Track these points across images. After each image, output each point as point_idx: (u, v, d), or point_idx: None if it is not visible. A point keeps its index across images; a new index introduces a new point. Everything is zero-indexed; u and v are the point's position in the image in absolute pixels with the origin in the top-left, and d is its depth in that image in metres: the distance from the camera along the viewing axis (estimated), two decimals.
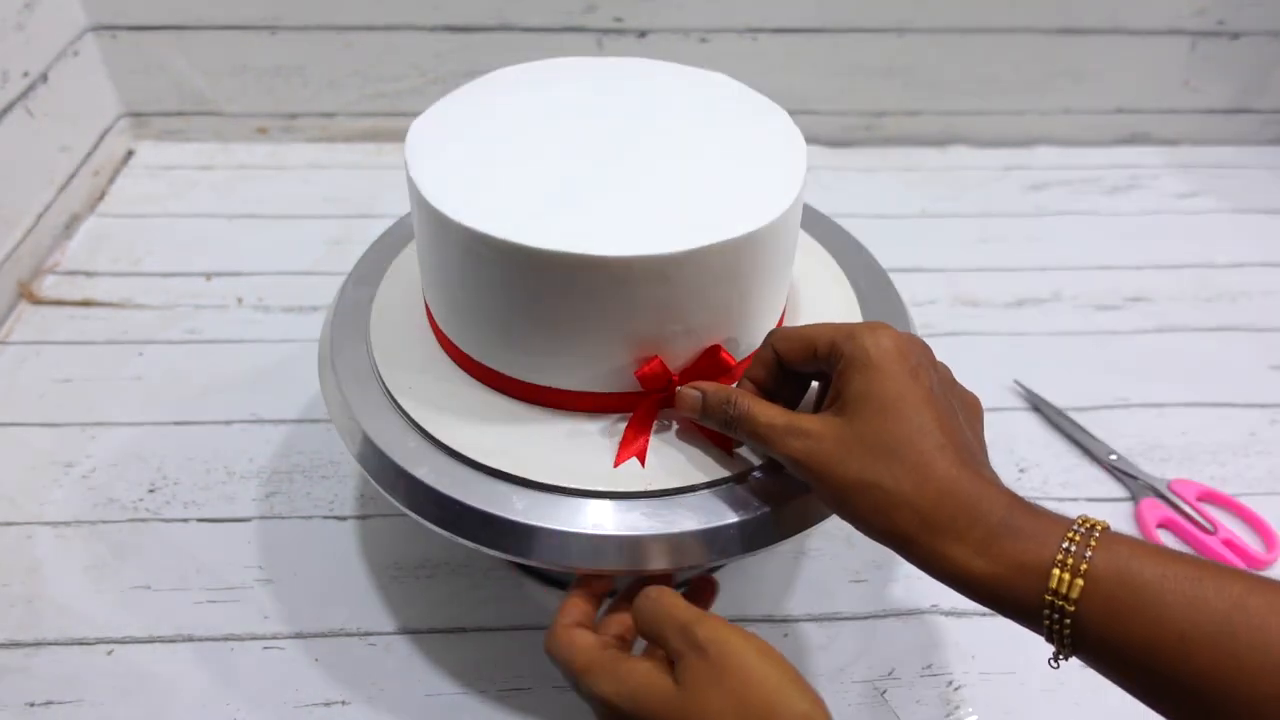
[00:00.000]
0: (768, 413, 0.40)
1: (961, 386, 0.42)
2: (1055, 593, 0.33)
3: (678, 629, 0.37)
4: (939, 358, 0.42)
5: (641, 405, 0.45)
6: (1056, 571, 0.33)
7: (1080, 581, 0.32)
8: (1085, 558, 0.33)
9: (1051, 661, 0.35)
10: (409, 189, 0.45)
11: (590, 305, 0.42)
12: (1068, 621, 0.33)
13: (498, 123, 0.48)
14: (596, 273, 0.40)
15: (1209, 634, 0.31)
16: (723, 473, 0.44)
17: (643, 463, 0.44)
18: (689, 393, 0.43)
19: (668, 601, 0.38)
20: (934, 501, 0.35)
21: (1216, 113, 1.01)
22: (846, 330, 0.40)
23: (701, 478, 0.44)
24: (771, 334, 0.43)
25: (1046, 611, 0.33)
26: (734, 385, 0.44)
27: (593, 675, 0.37)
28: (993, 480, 0.37)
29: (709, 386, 0.43)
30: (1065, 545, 0.33)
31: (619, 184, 0.44)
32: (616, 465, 0.44)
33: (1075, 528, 0.34)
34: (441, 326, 0.49)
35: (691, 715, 0.34)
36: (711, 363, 0.45)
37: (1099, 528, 0.34)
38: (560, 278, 0.41)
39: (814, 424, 0.39)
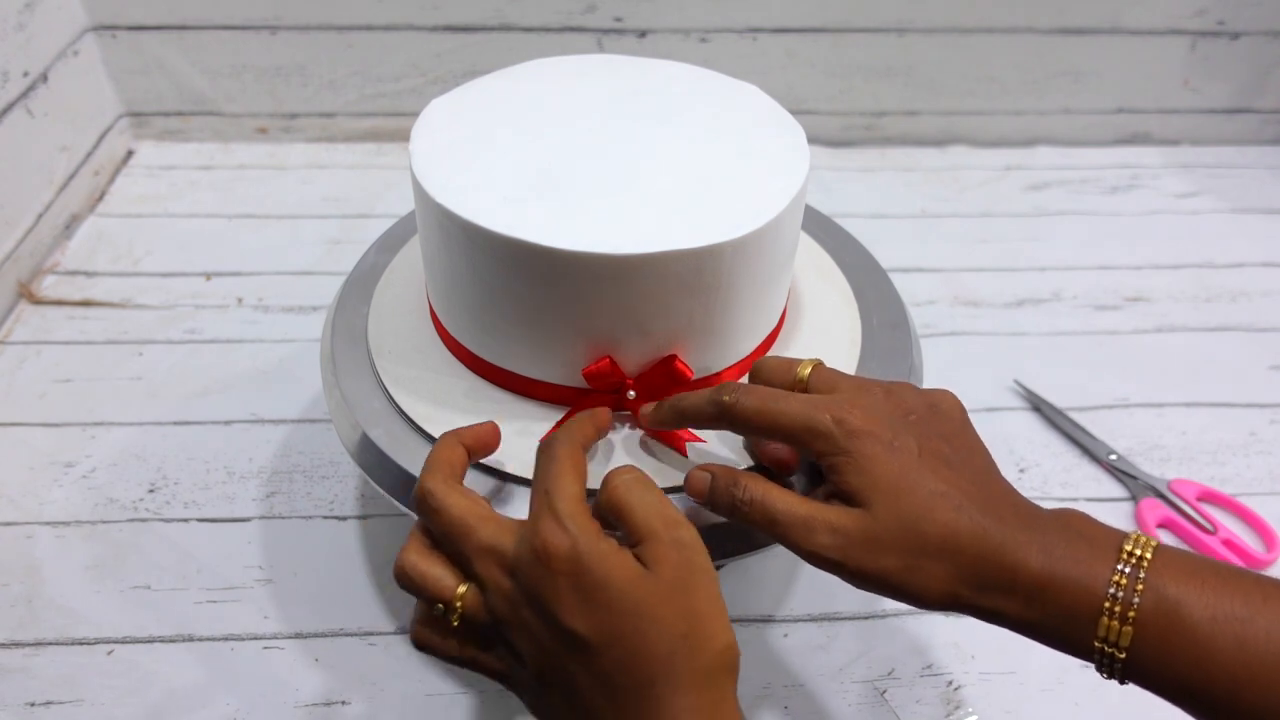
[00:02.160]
0: (786, 501, 0.38)
1: (926, 394, 0.40)
2: (1105, 640, 0.33)
3: (662, 517, 0.36)
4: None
5: (591, 403, 0.45)
6: (1105, 620, 0.33)
7: (1129, 629, 0.33)
8: (1133, 604, 0.33)
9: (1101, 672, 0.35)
10: (410, 163, 0.45)
11: (548, 296, 0.42)
12: (1118, 665, 0.33)
13: (510, 111, 0.48)
14: (550, 263, 0.40)
15: (1258, 677, 0.31)
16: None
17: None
18: (698, 475, 0.40)
19: (659, 491, 0.37)
20: (974, 565, 0.35)
21: (1216, 113, 1.01)
22: (811, 426, 0.38)
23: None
24: (734, 401, 0.39)
25: (1097, 656, 0.34)
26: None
27: (578, 519, 0.35)
28: (1017, 513, 0.36)
29: (718, 468, 0.40)
30: (1112, 591, 0.33)
31: (607, 182, 0.44)
32: None
33: (1119, 566, 0.33)
34: (437, 313, 0.49)
35: (648, 597, 0.33)
36: (667, 372, 0.44)
37: (1146, 559, 0.33)
38: (522, 265, 0.41)
39: (838, 517, 0.36)
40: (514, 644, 0.36)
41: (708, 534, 0.42)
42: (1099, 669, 0.34)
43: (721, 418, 0.40)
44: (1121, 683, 0.34)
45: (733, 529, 0.42)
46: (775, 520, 0.37)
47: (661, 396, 0.45)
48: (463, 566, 0.37)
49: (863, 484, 0.36)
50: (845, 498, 0.37)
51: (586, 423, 0.41)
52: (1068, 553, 0.34)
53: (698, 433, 0.45)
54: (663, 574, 0.34)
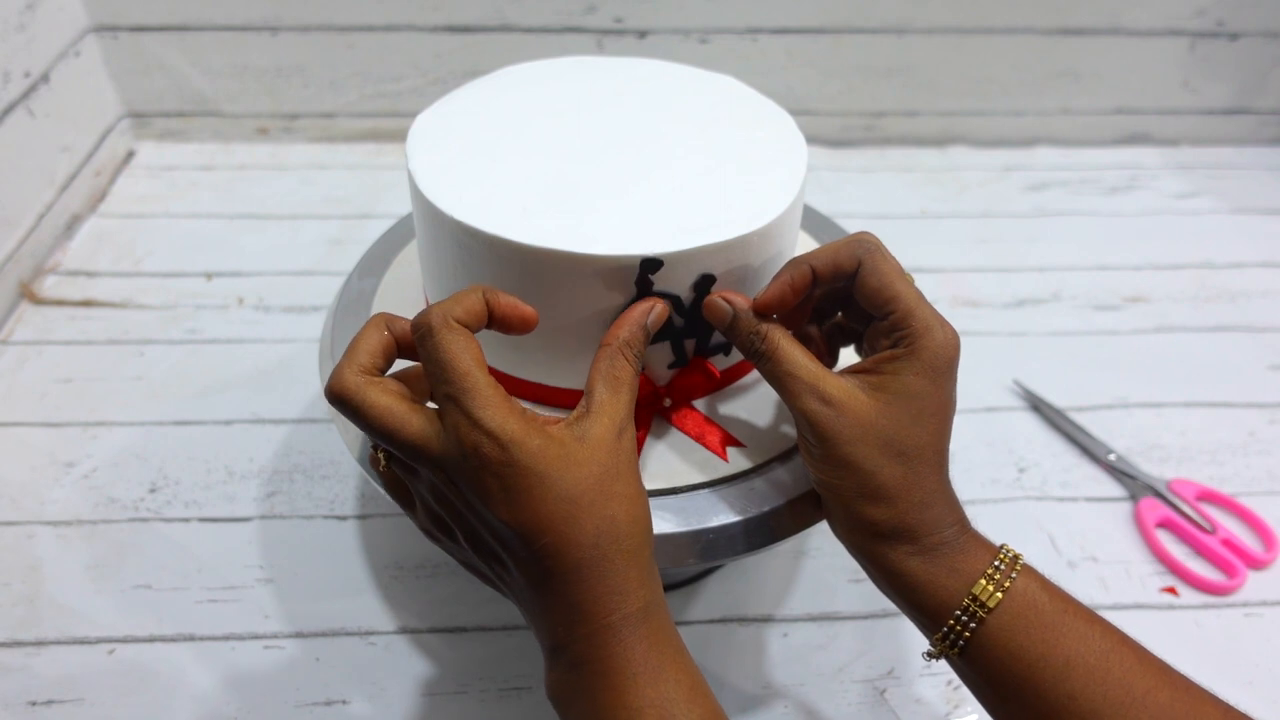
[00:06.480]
0: (796, 358, 0.38)
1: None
2: (975, 599, 0.36)
3: (627, 409, 0.37)
4: None
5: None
6: (983, 582, 0.37)
7: (1000, 595, 0.36)
8: (1011, 577, 0.37)
9: (926, 656, 0.38)
10: (409, 181, 0.45)
11: (577, 303, 0.42)
12: (973, 625, 0.36)
13: (500, 118, 0.48)
14: (583, 271, 0.40)
15: (1089, 663, 0.35)
16: (722, 473, 0.44)
17: None
18: (719, 305, 0.41)
19: (631, 378, 0.38)
20: (915, 509, 0.37)
21: (1216, 113, 1.01)
22: (926, 317, 0.38)
23: (701, 477, 0.44)
24: (877, 244, 0.41)
25: (958, 613, 0.36)
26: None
27: (504, 421, 0.34)
28: (950, 489, 0.39)
29: (743, 305, 0.40)
30: (995, 564, 0.37)
31: (614, 184, 0.44)
32: None
33: (1000, 560, 0.37)
34: None
35: (580, 482, 0.34)
36: (700, 370, 0.45)
37: (1020, 560, 0.38)
38: (547, 274, 0.41)
39: (840, 392, 0.37)
40: (454, 531, 0.37)
41: (713, 537, 0.42)
42: (945, 636, 0.37)
43: (865, 251, 0.41)
44: (942, 656, 0.37)
45: (733, 532, 0.43)
46: (779, 371, 0.38)
47: (695, 398, 0.45)
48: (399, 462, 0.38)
49: (913, 390, 0.37)
50: (880, 382, 0.37)
51: (468, 297, 0.37)
52: (969, 537, 0.38)
53: (736, 435, 0.46)
54: (599, 457, 0.35)
